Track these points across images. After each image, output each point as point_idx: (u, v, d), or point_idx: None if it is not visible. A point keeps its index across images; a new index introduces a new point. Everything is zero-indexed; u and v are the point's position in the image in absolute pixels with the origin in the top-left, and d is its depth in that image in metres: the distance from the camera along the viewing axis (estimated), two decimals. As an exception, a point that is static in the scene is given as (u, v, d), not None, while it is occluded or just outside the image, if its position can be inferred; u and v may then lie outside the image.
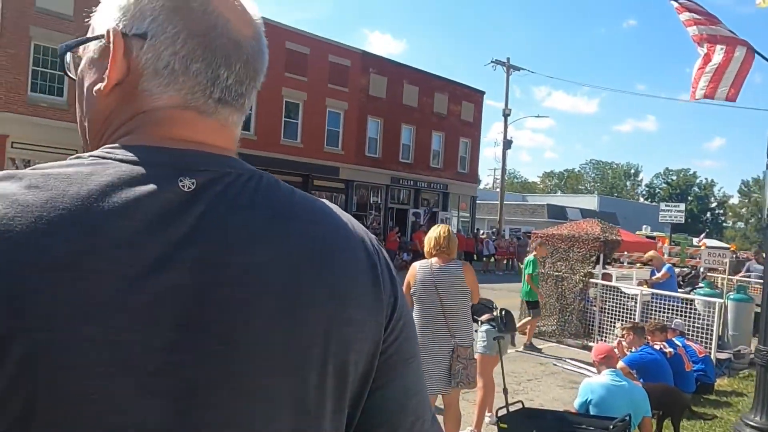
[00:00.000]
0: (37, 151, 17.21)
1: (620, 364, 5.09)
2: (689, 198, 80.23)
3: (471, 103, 30.56)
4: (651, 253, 9.17)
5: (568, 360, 7.96)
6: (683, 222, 35.52)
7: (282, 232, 0.64)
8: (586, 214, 37.43)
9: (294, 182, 23.12)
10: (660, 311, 8.04)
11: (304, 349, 0.62)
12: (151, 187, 0.59)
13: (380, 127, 26.33)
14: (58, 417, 0.52)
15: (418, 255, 20.16)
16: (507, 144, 30.86)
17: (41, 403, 0.51)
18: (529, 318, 8.71)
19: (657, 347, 5.93)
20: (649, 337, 6.06)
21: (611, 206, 50.17)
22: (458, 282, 3.91)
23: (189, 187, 0.61)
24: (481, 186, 35.49)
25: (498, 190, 54.76)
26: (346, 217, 0.73)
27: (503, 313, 4.97)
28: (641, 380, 5.36)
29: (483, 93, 31.48)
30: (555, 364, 7.75)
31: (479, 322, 4.81)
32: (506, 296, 10.72)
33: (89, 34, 0.71)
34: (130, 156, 0.62)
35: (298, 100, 23.30)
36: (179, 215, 0.59)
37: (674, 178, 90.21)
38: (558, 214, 40.87)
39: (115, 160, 0.61)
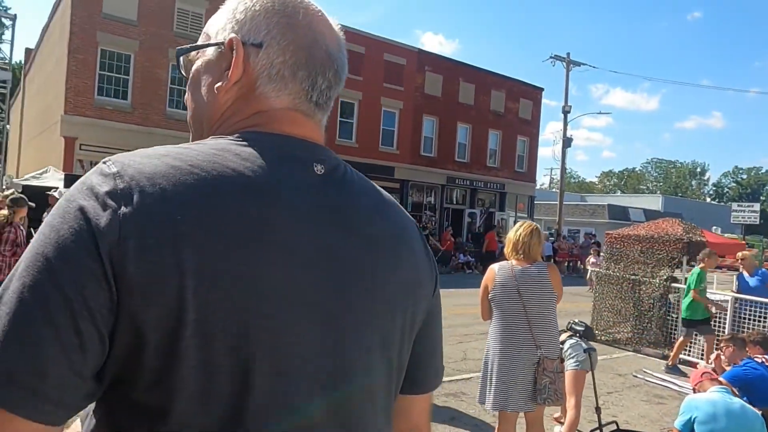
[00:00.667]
0: (104, 153, 17.75)
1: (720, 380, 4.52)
2: (761, 198, 75.69)
3: (529, 100, 29.67)
4: (744, 253, 8.32)
5: (648, 371, 7.35)
6: (757, 223, 33.37)
7: (386, 212, 0.84)
8: (650, 215, 35.73)
9: None
10: (753, 320, 7.31)
11: (398, 298, 0.80)
12: (298, 166, 0.76)
13: (436, 125, 25.90)
14: (255, 335, 0.66)
15: (489, 257, 19.51)
16: (567, 142, 29.79)
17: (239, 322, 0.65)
18: (682, 338, 7.60)
19: (759, 361, 5.30)
20: (749, 350, 5.43)
21: (677, 207, 47.75)
22: (544, 285, 3.50)
23: (320, 171, 0.77)
24: (537, 186, 34.40)
25: (554, 189, 53.23)
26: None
27: (580, 322, 4.53)
28: (745, 399, 4.77)
29: (542, 90, 30.51)
30: (636, 376, 7.16)
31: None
32: (569, 300, 10.12)
33: (202, 41, 0.85)
34: (276, 140, 0.77)
35: (353, 99, 23.18)
36: (322, 191, 0.76)
37: (744, 176, 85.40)
38: (619, 214, 39.22)
39: (264, 141, 0.76)
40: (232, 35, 0.79)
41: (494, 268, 3.61)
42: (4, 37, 47.06)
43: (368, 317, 0.76)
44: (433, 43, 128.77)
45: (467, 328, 9.44)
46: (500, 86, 28.16)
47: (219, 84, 0.80)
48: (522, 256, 3.56)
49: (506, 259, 3.70)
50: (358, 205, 0.79)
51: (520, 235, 3.57)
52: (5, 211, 6.71)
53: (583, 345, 4.22)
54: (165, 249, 0.61)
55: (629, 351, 8.53)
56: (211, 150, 0.71)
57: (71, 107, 17.10)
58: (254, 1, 0.81)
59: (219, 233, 0.64)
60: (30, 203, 7.21)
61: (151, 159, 0.69)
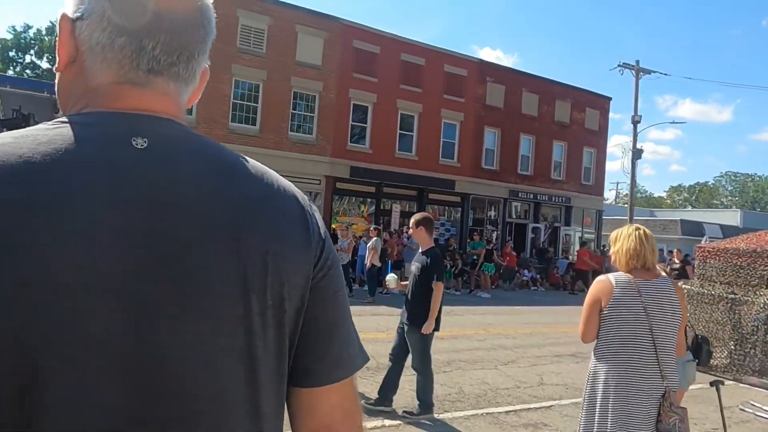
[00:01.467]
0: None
1: None
2: None
3: (596, 110, 28.44)
4: None
5: (757, 404, 6.43)
6: None
7: (228, 182, 0.74)
8: (728, 231, 33.44)
9: (409, 196, 22.69)
10: None
11: (245, 278, 0.71)
12: (109, 142, 0.70)
13: (497, 137, 25.16)
14: (39, 327, 0.62)
15: (583, 275, 18.51)
16: (637, 153, 28.35)
17: (27, 317, 0.62)
18: None
19: None
20: None
21: (758, 222, 44.47)
22: (673, 304, 2.88)
23: (141, 145, 0.70)
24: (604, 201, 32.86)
25: (622, 205, 50.89)
26: (280, 177, 0.83)
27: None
28: None
29: (609, 99, 29.21)
30: (743, 410, 6.27)
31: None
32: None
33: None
34: (88, 119, 0.72)
35: (413, 112, 22.83)
36: (136, 167, 0.69)
37: (831, 190, 79.21)
38: (693, 230, 36.92)
39: (75, 123, 0.71)
40: (62, 11, 0.77)
41: (609, 280, 2.98)
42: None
43: (190, 301, 0.68)
44: (491, 58, 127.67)
45: (539, 349, 8.73)
46: (565, 96, 27.14)
47: (55, 66, 0.79)
48: (641, 266, 2.95)
49: (623, 270, 3.08)
50: (187, 178, 0.71)
51: (634, 241, 2.96)
52: None
53: (694, 365, 3.55)
54: None
55: (729, 379, 7.58)
56: (8, 138, 0.68)
57: (201, 130, 17.51)
58: None
59: None
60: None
61: None
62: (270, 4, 19.70)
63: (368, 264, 12.63)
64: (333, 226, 20.64)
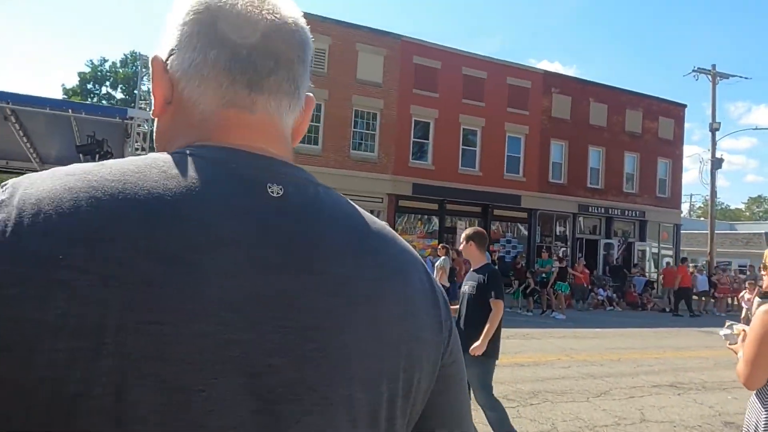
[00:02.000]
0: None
1: None
2: None
3: (669, 118, 26.92)
4: None
5: None
6: None
7: (365, 246, 0.65)
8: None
9: (473, 212, 22.05)
10: None
11: (382, 361, 0.62)
12: (243, 187, 0.60)
13: (565, 150, 24.17)
14: (155, 410, 0.50)
15: (684, 294, 17.46)
16: (716, 163, 26.53)
17: (136, 394, 0.50)
18: None
19: None
20: None
21: None
22: None
23: (278, 193, 0.62)
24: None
25: (698, 218, 48.01)
26: (399, 236, 0.73)
27: None
28: None
29: (684, 106, 27.63)
30: None
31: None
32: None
33: None
34: (212, 154, 0.62)
35: (476, 126, 22.27)
36: (276, 220, 0.60)
37: None
38: (781, 244, 34.16)
39: (200, 157, 0.61)
40: (153, 54, 0.72)
41: None
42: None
43: (325, 386, 0.58)
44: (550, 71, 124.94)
45: (633, 378, 7.91)
46: (636, 105, 25.84)
47: (152, 111, 0.72)
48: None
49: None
50: (327, 238, 0.62)
51: None
52: None
53: None
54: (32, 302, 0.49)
55: None
56: (131, 166, 0.57)
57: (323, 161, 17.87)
58: (174, 12, 0.70)
59: (109, 277, 0.50)
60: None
61: (53, 179, 0.55)
62: (330, 24, 19.78)
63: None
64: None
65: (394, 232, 0.72)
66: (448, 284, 12.44)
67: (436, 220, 21.81)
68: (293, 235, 0.60)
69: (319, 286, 0.59)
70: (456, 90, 21.73)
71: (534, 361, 8.46)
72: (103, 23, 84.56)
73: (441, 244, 13.00)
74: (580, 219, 24.87)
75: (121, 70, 49.80)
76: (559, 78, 24.88)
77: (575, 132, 24.19)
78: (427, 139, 21.52)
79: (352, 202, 0.70)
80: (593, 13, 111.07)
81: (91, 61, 52.30)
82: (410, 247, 0.73)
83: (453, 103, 21.60)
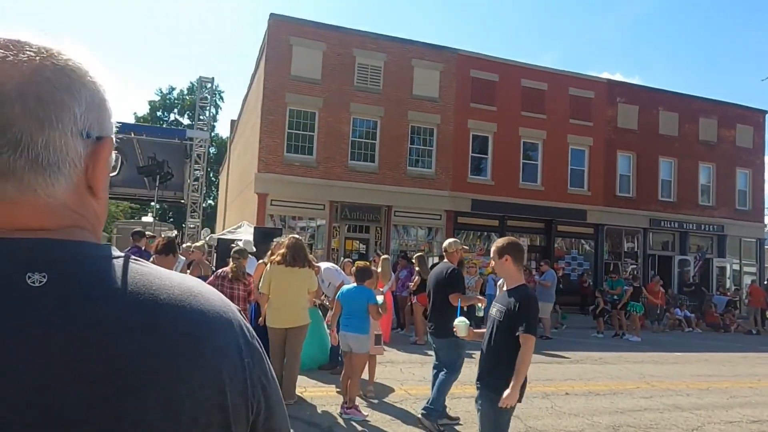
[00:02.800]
0: (291, 207, 18.34)
1: None
2: None
3: (748, 125, 25.13)
4: None
5: None
6: None
7: (147, 320, 0.62)
8: None
9: (536, 228, 21.15)
10: None
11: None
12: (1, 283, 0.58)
13: (633, 162, 22.94)
14: None
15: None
16: (804, 172, 24.50)
17: None
18: None
19: None
20: None
21: None
22: None
23: (40, 282, 0.59)
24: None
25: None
26: (214, 295, 0.71)
27: None
28: None
29: (764, 113, 25.75)
30: None
31: None
32: None
33: None
34: None
35: (537, 139, 21.49)
36: (32, 316, 0.57)
37: None
38: None
39: None
40: None
41: None
42: (207, 112, 54.24)
43: None
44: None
45: (727, 411, 7.03)
46: (710, 112, 24.30)
47: None
48: None
49: None
50: (94, 324, 0.59)
51: None
52: (233, 264, 6.48)
53: None
54: None
55: None
56: None
57: (263, 166, 18.01)
58: None
59: None
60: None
61: None
62: (385, 41, 19.68)
63: (500, 304, 11.48)
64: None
65: (198, 290, 0.69)
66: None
67: (496, 237, 21.05)
68: (50, 329, 0.56)
69: (86, 374, 0.56)
70: (515, 102, 21.10)
71: (611, 389, 7.71)
72: (173, 52, 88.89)
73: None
74: (651, 234, 23.44)
75: (188, 97, 51.88)
76: (625, 87, 23.75)
77: (643, 143, 22.95)
78: (486, 154, 20.92)
79: (145, 269, 0.67)
80: (654, 22, 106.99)
81: (160, 89, 54.89)
82: (218, 305, 0.70)
83: (512, 116, 20.96)
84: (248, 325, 0.74)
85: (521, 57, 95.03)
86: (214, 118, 56.80)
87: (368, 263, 6.35)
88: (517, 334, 3.46)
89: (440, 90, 20.21)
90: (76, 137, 0.66)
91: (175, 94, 53.96)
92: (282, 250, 6.05)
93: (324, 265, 8.09)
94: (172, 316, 0.64)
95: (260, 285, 6.24)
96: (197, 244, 8.60)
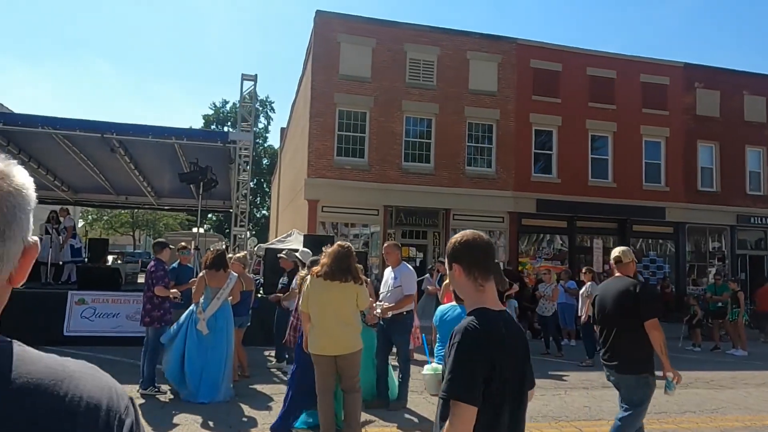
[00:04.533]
0: (343, 213, 17.34)
1: None
2: None
3: None
4: None
5: None
6: None
7: (19, 411, 0.71)
8: None
9: (608, 229, 19.15)
10: None
11: None
12: None
13: (716, 153, 20.75)
14: None
15: None
16: None
17: None
18: None
19: None
20: None
21: None
22: None
23: None
24: None
25: None
26: (85, 381, 0.79)
27: None
28: None
29: None
30: None
31: None
32: None
33: None
34: None
35: (606, 132, 19.70)
36: None
37: None
38: None
39: None
40: None
41: None
42: (258, 122, 54.41)
43: None
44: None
45: None
46: (804, 94, 21.77)
47: None
48: None
49: None
50: None
51: None
52: (304, 272, 5.72)
53: None
54: None
55: None
56: None
57: (313, 170, 17.11)
58: None
59: None
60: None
61: None
62: (438, 33, 18.47)
63: (584, 316, 9.98)
64: (521, 267, 18.21)
65: (67, 375, 0.77)
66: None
67: (564, 239, 19.39)
68: None
69: None
70: (581, 93, 19.42)
71: (747, 425, 6.16)
72: (226, 65, 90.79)
73: (586, 268, 10.85)
74: (740, 232, 21.10)
75: (244, 123, 52.16)
76: (704, 70, 21.53)
77: (727, 131, 20.72)
78: (551, 150, 19.30)
79: (15, 352, 0.76)
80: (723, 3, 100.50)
81: (213, 103, 55.61)
82: (87, 392, 0.77)
83: (578, 108, 19.29)
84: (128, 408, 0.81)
85: (587, 43, 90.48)
86: (266, 129, 57.17)
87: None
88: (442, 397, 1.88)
89: (499, 83, 18.80)
90: (20, 243, 0.81)
91: (228, 107, 54.49)
92: (324, 260, 4.90)
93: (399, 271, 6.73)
94: (32, 404, 0.70)
95: (300, 301, 5.16)
96: (238, 255, 7.61)
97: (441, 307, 4.67)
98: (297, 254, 8.14)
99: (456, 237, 2.13)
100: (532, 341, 12.49)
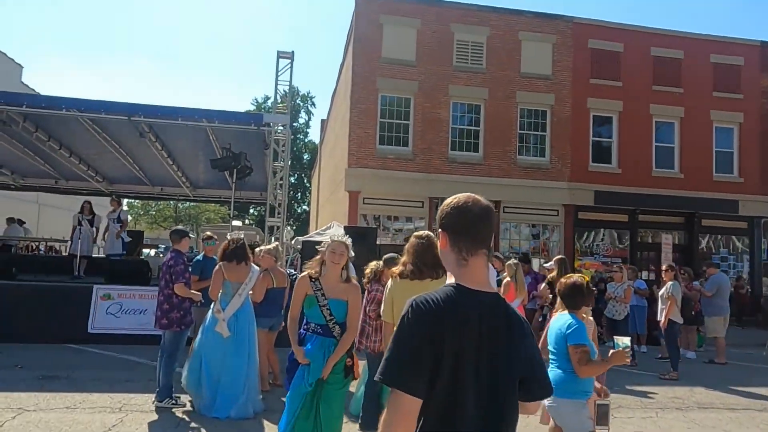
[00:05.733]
0: (386, 205, 16.33)
1: None
2: None
3: None
4: None
5: None
6: None
7: None
8: None
9: (674, 224, 17.23)
10: None
11: None
12: None
13: (796, 140, 18.78)
14: None
15: None
16: None
17: None
18: None
19: None
20: None
21: None
22: None
23: None
24: None
25: None
26: None
27: None
28: None
29: None
30: None
31: None
32: None
33: None
34: None
35: (672, 117, 18.03)
36: None
37: None
38: None
39: None
40: None
41: None
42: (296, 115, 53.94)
43: None
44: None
45: None
46: None
47: None
48: None
49: None
50: None
51: None
52: (376, 263, 5.11)
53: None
54: None
55: None
56: None
57: (354, 160, 16.17)
58: None
59: None
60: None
61: None
62: (487, 12, 17.21)
63: (663, 321, 8.66)
64: (577, 264, 16.82)
65: None
66: (681, 320, 8.91)
67: (626, 234, 17.85)
68: None
69: None
70: (644, 76, 17.81)
71: None
72: (267, 60, 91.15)
73: (667, 265, 9.50)
74: (824, 228, 19.05)
75: (281, 105, 51.87)
76: (782, 49, 19.53)
77: (810, 116, 18.73)
78: (611, 137, 17.79)
79: None
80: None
81: (255, 98, 55.42)
82: None
83: (641, 92, 17.70)
84: None
85: (651, 21, 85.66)
86: (307, 124, 56.69)
87: (583, 277, 3.71)
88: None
89: (553, 65, 17.40)
90: None
91: (269, 102, 54.22)
92: (403, 258, 3.95)
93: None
94: None
95: (382, 310, 4.24)
96: (268, 246, 6.67)
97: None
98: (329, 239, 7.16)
99: (448, 200, 1.84)
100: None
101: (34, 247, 15.66)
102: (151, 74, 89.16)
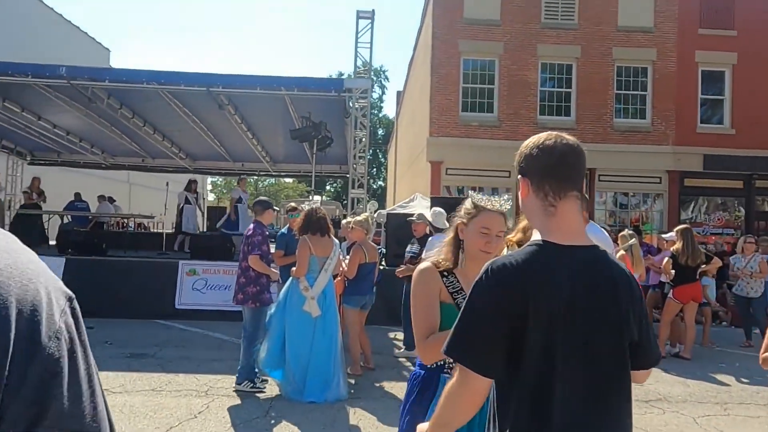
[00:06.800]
0: (470, 176, 15.46)
1: None
2: None
3: None
4: None
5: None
6: None
7: None
8: None
9: (727, 187, 15.34)
10: None
11: None
12: None
13: None
14: None
15: None
16: None
17: None
18: None
19: None
20: None
21: None
22: None
23: None
24: None
25: None
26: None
27: None
28: None
29: None
30: None
31: None
32: None
33: None
34: None
35: (723, 65, 15.81)
36: None
37: None
38: None
39: None
40: None
41: None
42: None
43: None
44: None
45: None
46: None
47: None
48: None
49: None
50: None
51: None
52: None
53: None
54: None
55: None
56: None
57: (436, 128, 15.37)
58: None
59: None
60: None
61: None
62: (579, -39, 15.70)
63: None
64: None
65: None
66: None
67: (740, 202, 16.03)
68: None
69: None
70: (688, 17, 15.65)
71: None
72: (341, 39, 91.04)
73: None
74: None
75: (361, 68, 51.53)
76: None
77: None
78: (723, 95, 15.89)
79: None
80: None
81: (330, 75, 55.42)
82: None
83: (760, 41, 15.62)
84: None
85: None
86: (381, 99, 56.05)
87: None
88: None
89: (655, 16, 15.68)
90: None
91: (349, 73, 54.11)
92: (520, 225, 3.17)
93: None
94: None
95: None
96: (358, 218, 6.12)
97: None
98: (428, 216, 6.52)
99: (526, 141, 1.54)
100: (718, 328, 9.98)
101: (125, 223, 16.11)
102: (225, 50, 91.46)
